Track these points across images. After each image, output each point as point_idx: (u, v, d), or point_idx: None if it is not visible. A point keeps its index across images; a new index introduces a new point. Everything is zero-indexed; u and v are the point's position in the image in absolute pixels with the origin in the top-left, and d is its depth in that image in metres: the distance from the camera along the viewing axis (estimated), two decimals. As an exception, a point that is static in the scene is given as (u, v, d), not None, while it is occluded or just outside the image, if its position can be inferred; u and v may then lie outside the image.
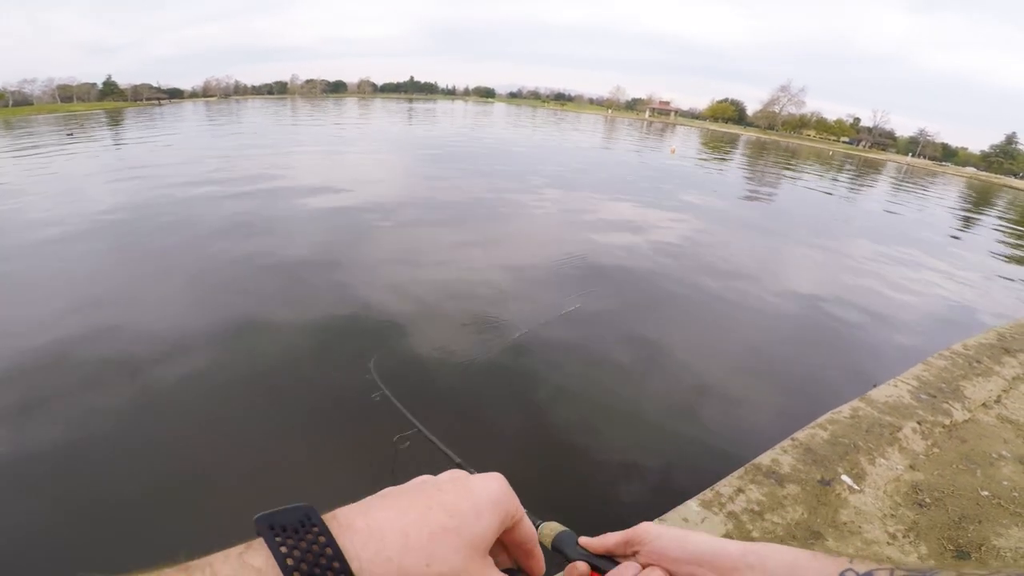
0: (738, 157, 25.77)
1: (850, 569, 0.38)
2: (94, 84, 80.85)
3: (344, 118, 32.41)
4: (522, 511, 0.41)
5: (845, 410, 2.73)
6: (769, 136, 70.95)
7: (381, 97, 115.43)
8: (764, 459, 2.17)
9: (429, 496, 0.35)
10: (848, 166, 31.17)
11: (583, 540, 0.51)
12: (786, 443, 2.35)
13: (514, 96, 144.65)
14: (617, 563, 0.46)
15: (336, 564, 0.29)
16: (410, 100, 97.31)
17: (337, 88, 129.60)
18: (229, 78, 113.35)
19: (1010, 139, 78.36)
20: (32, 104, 66.73)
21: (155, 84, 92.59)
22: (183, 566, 0.27)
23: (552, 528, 0.56)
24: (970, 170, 61.72)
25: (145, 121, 28.74)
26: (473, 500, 0.36)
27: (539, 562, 0.43)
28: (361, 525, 0.31)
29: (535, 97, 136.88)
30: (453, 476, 0.39)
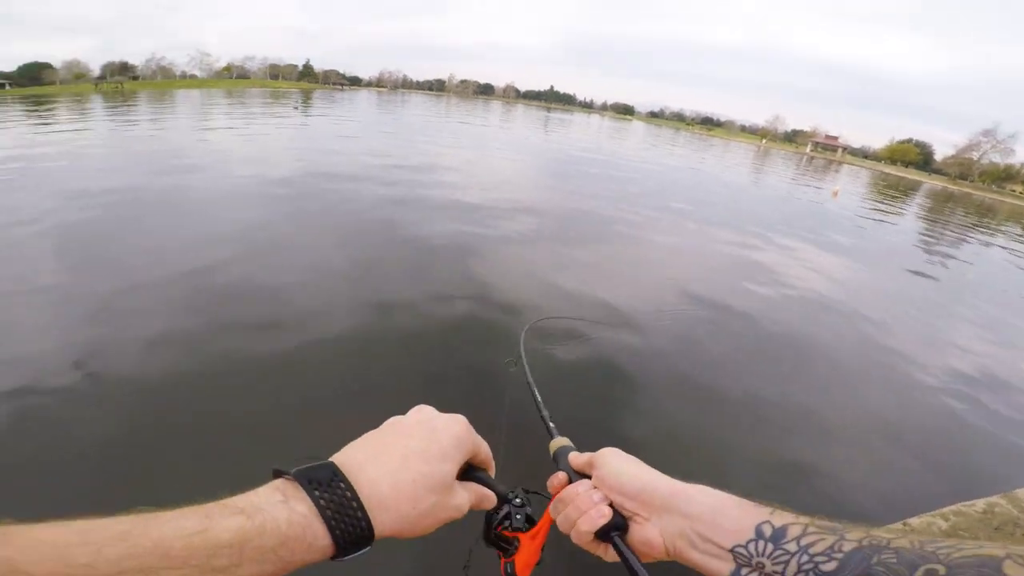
0: (915, 208, 22.14)
1: (768, 522, 0.41)
2: (295, 66, 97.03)
3: (490, 119, 33.90)
4: (480, 445, 0.52)
5: (979, 504, 2.45)
6: (960, 187, 60.55)
7: (523, 103, 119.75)
8: None
9: (404, 446, 0.45)
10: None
11: (572, 456, 0.58)
12: (896, 526, 2.01)
13: (655, 115, 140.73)
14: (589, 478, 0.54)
15: (359, 513, 0.38)
16: (548, 109, 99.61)
17: (486, 90, 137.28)
18: (399, 71, 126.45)
19: None
20: (248, 78, 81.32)
21: (341, 71, 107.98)
22: (229, 503, 0.35)
23: (559, 443, 0.63)
24: None
25: (327, 103, 33.14)
26: (439, 444, 0.46)
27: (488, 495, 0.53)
28: (364, 480, 0.41)
29: (679, 119, 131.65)
30: (419, 417, 0.49)
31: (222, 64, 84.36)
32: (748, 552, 0.41)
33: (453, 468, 0.46)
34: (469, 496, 0.49)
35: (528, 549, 0.54)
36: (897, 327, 5.32)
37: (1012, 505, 2.44)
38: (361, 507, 0.39)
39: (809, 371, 4.07)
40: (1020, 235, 19.28)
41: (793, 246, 8.13)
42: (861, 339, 4.87)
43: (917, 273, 8.24)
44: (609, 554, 0.49)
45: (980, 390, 4.19)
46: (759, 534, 0.41)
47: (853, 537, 0.37)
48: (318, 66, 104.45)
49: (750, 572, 0.41)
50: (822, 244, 8.76)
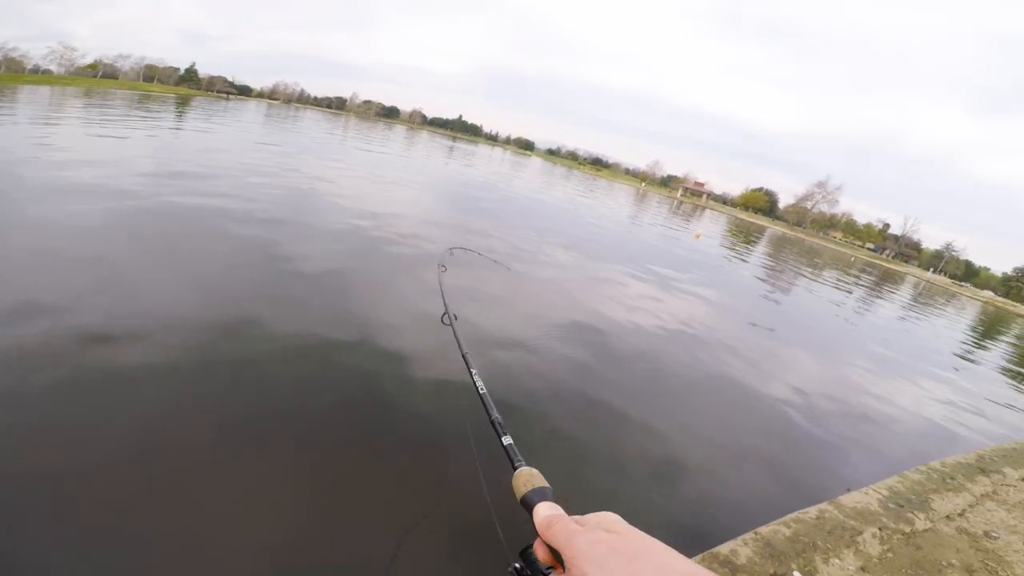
0: (760, 250, 26.43)
1: None
2: (177, 69, 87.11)
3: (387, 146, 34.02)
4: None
5: (812, 511, 2.99)
6: (795, 233, 71.79)
7: (428, 130, 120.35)
8: (723, 548, 2.45)
9: None
10: (867, 276, 31.59)
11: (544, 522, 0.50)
12: (748, 536, 2.58)
13: (552, 153, 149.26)
14: None
15: None
16: (453, 138, 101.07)
17: (390, 113, 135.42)
18: (297, 85, 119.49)
19: None
20: (117, 79, 71.46)
21: (230, 79, 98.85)
22: None
23: (528, 477, 0.58)
24: (987, 294, 61.32)
25: (202, 112, 30.74)
26: None
27: None
28: None
29: (572, 158, 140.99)
30: None
31: (88, 60, 73.81)
32: None
33: None
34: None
35: None
36: (743, 351, 6.56)
37: (839, 511, 2.94)
38: None
39: (667, 390, 4.74)
40: (835, 278, 23.97)
41: (658, 279, 9.73)
42: (711, 362, 5.78)
43: (761, 302, 10.33)
44: None
45: (811, 409, 5.20)
46: None
47: None
48: (208, 71, 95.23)
49: None
50: (681, 278, 10.54)
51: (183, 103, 40.98)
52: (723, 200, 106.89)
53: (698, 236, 22.73)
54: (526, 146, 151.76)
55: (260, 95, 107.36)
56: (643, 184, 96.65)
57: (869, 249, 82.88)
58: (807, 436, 4.65)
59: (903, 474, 3.84)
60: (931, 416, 6.27)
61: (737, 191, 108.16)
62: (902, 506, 3.31)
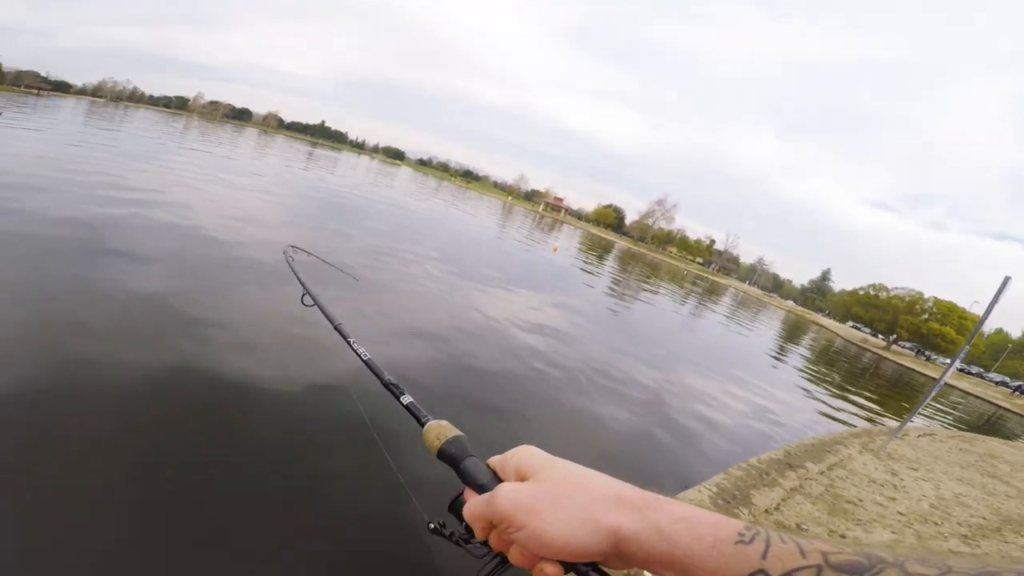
0: (609, 265, 29.16)
1: (760, 573, 0.33)
2: None
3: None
4: None
5: None
6: (639, 248, 79.73)
7: (284, 134, 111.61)
8: None
9: None
10: (697, 288, 36.61)
11: (490, 461, 0.51)
12: None
13: (423, 163, 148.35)
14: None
15: None
16: (313, 144, 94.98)
17: (241, 115, 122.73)
18: (128, 83, 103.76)
19: (825, 275, 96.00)
20: None
21: (43, 74, 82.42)
22: None
23: (439, 430, 0.56)
24: (790, 303, 73.07)
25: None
26: None
27: None
28: None
29: (444, 169, 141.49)
30: None
31: None
32: None
33: None
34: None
35: None
36: (595, 355, 7.11)
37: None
38: None
39: (530, 397, 5.03)
40: (671, 290, 27.35)
41: (517, 291, 10.33)
42: (567, 366, 6.27)
43: (610, 311, 11.45)
44: None
45: (664, 414, 5.77)
46: None
47: None
48: (18, 65, 78.28)
49: None
50: (538, 288, 11.31)
51: None
52: (579, 215, 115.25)
53: (556, 250, 24.39)
54: (396, 155, 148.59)
55: (82, 92, 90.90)
56: (509, 198, 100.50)
57: (699, 263, 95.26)
58: (648, 439, 5.06)
59: (727, 471, 4.14)
60: (750, 415, 7.25)
61: (591, 207, 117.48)
62: (728, 502, 3.56)
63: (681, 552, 0.36)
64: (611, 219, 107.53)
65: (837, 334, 47.49)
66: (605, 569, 0.43)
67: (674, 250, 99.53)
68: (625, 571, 0.49)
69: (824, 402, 10.50)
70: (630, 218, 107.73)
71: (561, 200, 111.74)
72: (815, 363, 18.30)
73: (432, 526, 0.56)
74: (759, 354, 14.73)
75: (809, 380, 13.08)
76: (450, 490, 0.53)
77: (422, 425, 0.59)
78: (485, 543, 0.49)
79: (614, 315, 12.44)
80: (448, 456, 0.54)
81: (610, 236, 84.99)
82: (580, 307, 11.46)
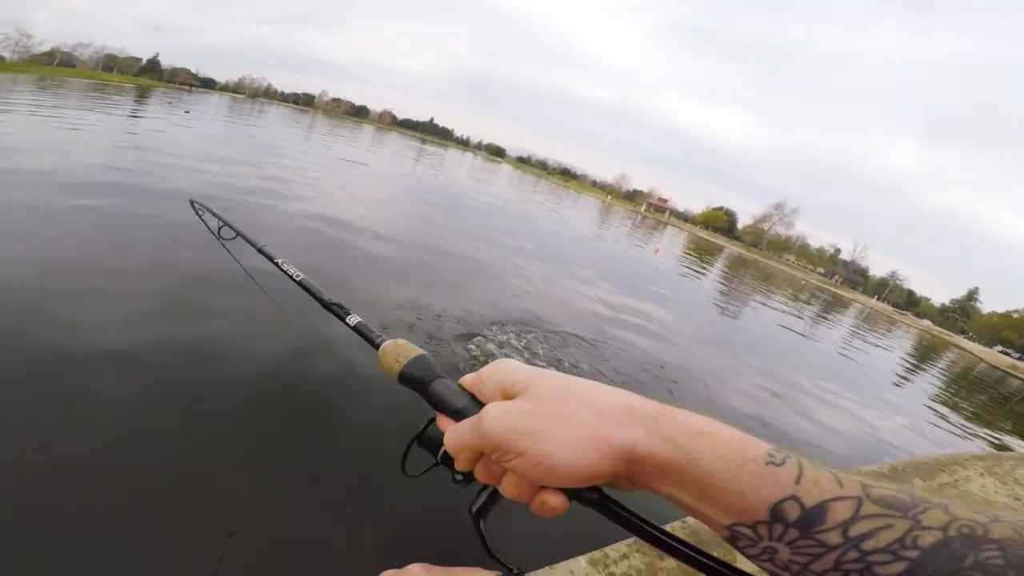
0: (716, 271, 26.98)
1: (793, 498, 0.29)
2: (139, 59, 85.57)
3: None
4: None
5: None
6: (751, 254, 74.44)
7: (398, 131, 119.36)
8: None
9: None
10: (816, 300, 32.81)
11: (463, 381, 0.44)
12: (676, 524, 2.51)
13: (523, 161, 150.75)
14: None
15: None
16: (423, 141, 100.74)
17: (360, 112, 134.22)
18: (263, 79, 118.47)
19: (972, 294, 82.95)
20: (74, 67, 69.17)
21: (194, 71, 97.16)
22: None
23: (396, 350, 0.49)
24: (926, 323, 65.04)
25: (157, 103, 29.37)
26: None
27: None
28: None
29: (542, 167, 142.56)
30: None
31: (46, 48, 70.79)
32: (755, 535, 0.31)
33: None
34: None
35: None
36: (694, 361, 6.53)
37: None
38: None
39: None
40: (787, 301, 24.67)
41: (604, 286, 9.54)
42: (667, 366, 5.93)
43: (716, 319, 10.26)
44: None
45: (770, 424, 5.38)
46: (777, 516, 0.30)
47: (934, 522, 0.26)
48: (172, 62, 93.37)
49: (752, 548, 0.32)
50: (639, 291, 10.41)
51: (142, 94, 39.63)
52: (684, 217, 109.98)
53: (657, 251, 22.96)
54: (497, 152, 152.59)
55: (224, 88, 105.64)
56: (609, 197, 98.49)
57: (820, 274, 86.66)
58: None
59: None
60: (858, 428, 6.54)
61: (699, 209, 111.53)
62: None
63: (704, 470, 0.32)
64: (721, 222, 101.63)
65: (980, 358, 42.32)
66: (610, 495, 0.38)
67: (792, 258, 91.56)
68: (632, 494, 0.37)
69: (951, 424, 9.23)
70: (742, 222, 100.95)
71: (666, 201, 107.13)
72: (948, 385, 16.18)
73: (405, 462, 0.47)
74: (883, 371, 13.24)
75: (937, 401, 11.60)
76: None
77: (376, 347, 0.51)
78: (468, 475, 0.44)
79: (716, 321, 11.35)
80: (411, 379, 0.47)
81: (719, 240, 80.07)
82: (679, 311, 10.45)
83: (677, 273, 17.79)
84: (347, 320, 0.59)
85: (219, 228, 1.01)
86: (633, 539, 2.28)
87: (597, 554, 2.19)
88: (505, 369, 0.40)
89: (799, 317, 18.81)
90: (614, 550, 2.25)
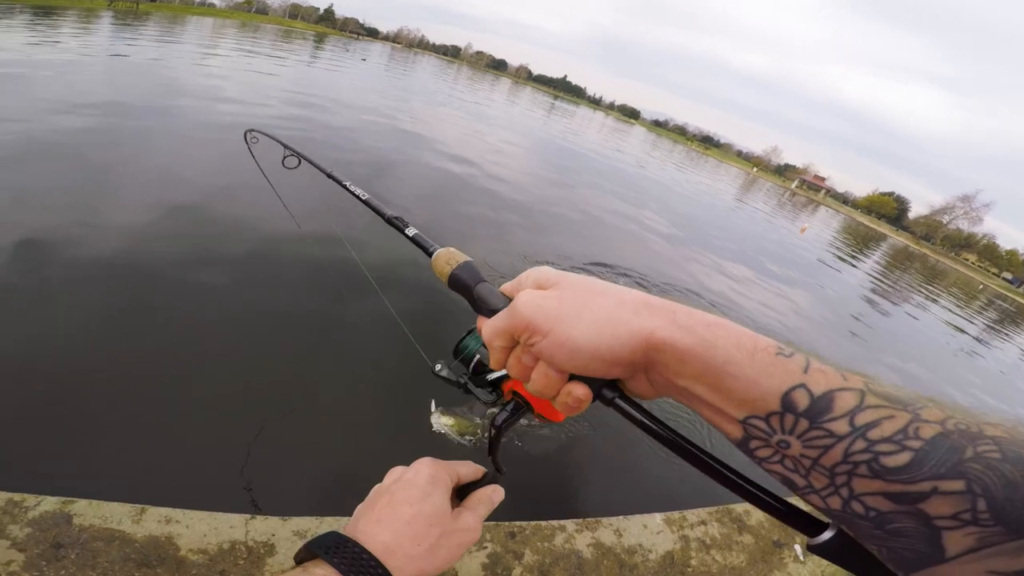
0: (872, 260, 23.81)
1: (802, 386, 0.30)
2: (317, 8, 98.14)
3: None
4: (455, 468, 0.53)
5: None
6: (920, 248, 63.73)
7: (532, 86, 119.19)
8: (740, 507, 2.49)
9: (388, 501, 0.49)
10: (995, 308, 27.45)
11: (503, 287, 0.47)
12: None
13: (658, 124, 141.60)
14: None
15: (372, 562, 0.43)
16: (555, 97, 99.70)
17: (499, 66, 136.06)
18: (418, 31, 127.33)
19: None
20: (267, 14, 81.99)
21: (361, 20, 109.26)
22: None
23: (448, 256, 0.53)
24: None
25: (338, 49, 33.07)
26: (416, 488, 0.49)
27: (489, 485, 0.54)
28: (365, 535, 0.46)
29: (680, 132, 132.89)
30: (393, 477, 0.52)
31: None
32: (768, 428, 0.31)
33: (440, 500, 0.49)
34: (475, 510, 0.51)
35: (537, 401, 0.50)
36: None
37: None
38: (373, 558, 0.43)
39: None
40: (956, 304, 21.12)
41: (738, 267, 9.23)
42: None
43: (862, 311, 9.52)
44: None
45: None
46: (788, 406, 0.30)
47: (932, 417, 0.27)
48: (341, 12, 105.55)
49: (764, 448, 0.32)
50: (768, 272, 9.90)
51: (320, 40, 45.50)
52: (843, 199, 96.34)
53: (803, 231, 20.97)
54: (631, 114, 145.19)
55: (386, 38, 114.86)
56: (755, 169, 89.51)
57: (1006, 279, 71.44)
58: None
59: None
60: None
61: (862, 192, 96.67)
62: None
63: (721, 357, 0.32)
64: (888, 209, 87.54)
65: None
66: (629, 395, 0.40)
67: (971, 257, 76.28)
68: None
69: None
70: (916, 211, 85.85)
71: (823, 180, 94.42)
72: None
73: (439, 367, 0.54)
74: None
75: None
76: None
77: (430, 255, 0.56)
78: (494, 389, 0.51)
79: (862, 313, 10.30)
80: (459, 282, 0.51)
81: (883, 228, 69.50)
82: (817, 297, 9.77)
83: (820, 258, 16.21)
84: (406, 231, 0.63)
85: (284, 157, 1.05)
86: (714, 508, 2.38)
87: (675, 515, 2.25)
88: (540, 269, 0.44)
89: (966, 324, 16.18)
90: (693, 514, 2.29)
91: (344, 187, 0.81)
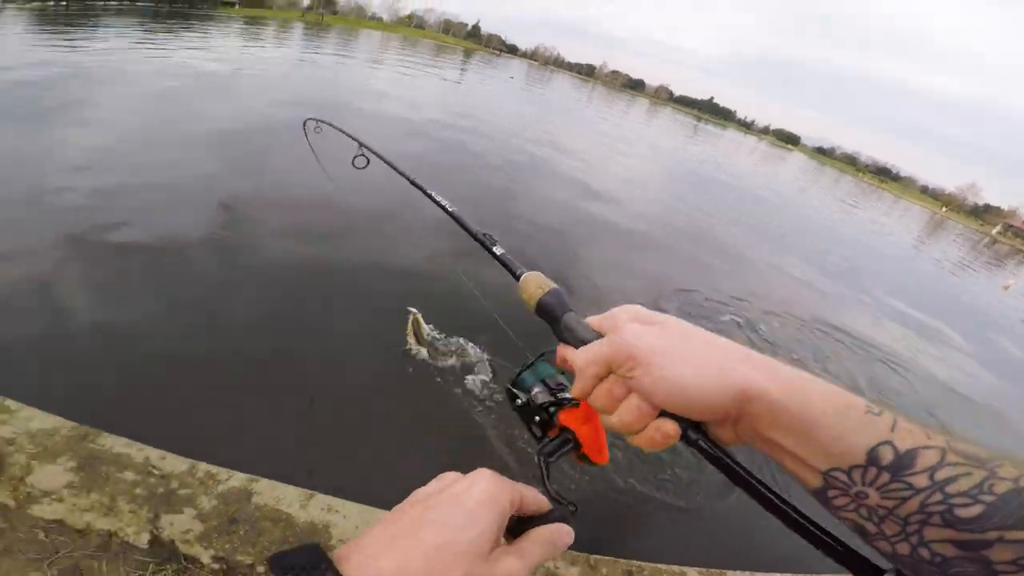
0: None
1: (888, 443, 0.32)
2: (465, 25, 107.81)
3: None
4: (520, 491, 0.39)
5: None
6: None
7: (672, 107, 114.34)
8: None
9: (419, 517, 0.35)
10: None
11: (589, 320, 0.46)
12: None
13: (822, 152, 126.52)
14: None
15: None
16: (698, 119, 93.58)
17: (636, 86, 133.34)
18: (554, 48, 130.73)
19: None
20: (423, 29, 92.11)
21: (503, 38, 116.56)
22: None
23: (538, 281, 0.52)
24: None
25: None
26: (464, 508, 0.36)
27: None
28: (359, 561, 0.31)
29: (849, 161, 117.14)
30: (441, 485, 0.39)
31: (407, 11, 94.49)
32: (848, 480, 0.33)
33: (486, 531, 0.36)
34: (524, 554, 0.37)
35: (588, 433, 0.47)
36: None
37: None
38: None
39: None
40: None
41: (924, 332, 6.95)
42: None
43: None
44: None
45: None
46: (872, 460, 0.32)
47: (1007, 475, 0.29)
48: (488, 29, 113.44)
49: (842, 498, 0.33)
50: (948, 340, 7.37)
51: (468, 55, 52.59)
52: (1070, 253, 76.48)
53: (1008, 288, 16.35)
54: (789, 139, 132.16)
55: (524, 55, 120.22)
56: (944, 208, 75.41)
57: None
58: None
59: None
60: None
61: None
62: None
63: (813, 414, 0.34)
64: None
65: None
66: (712, 438, 0.40)
67: None
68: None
69: None
70: None
71: (1038, 225, 76.00)
72: None
73: (513, 390, 0.52)
74: None
75: None
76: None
77: (517, 278, 0.55)
78: (548, 426, 0.49)
79: None
80: (547, 309, 0.50)
81: None
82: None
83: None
84: (493, 250, 0.62)
85: (354, 157, 1.08)
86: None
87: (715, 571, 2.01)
88: (634, 307, 0.44)
89: None
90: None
91: (429, 196, 0.80)
